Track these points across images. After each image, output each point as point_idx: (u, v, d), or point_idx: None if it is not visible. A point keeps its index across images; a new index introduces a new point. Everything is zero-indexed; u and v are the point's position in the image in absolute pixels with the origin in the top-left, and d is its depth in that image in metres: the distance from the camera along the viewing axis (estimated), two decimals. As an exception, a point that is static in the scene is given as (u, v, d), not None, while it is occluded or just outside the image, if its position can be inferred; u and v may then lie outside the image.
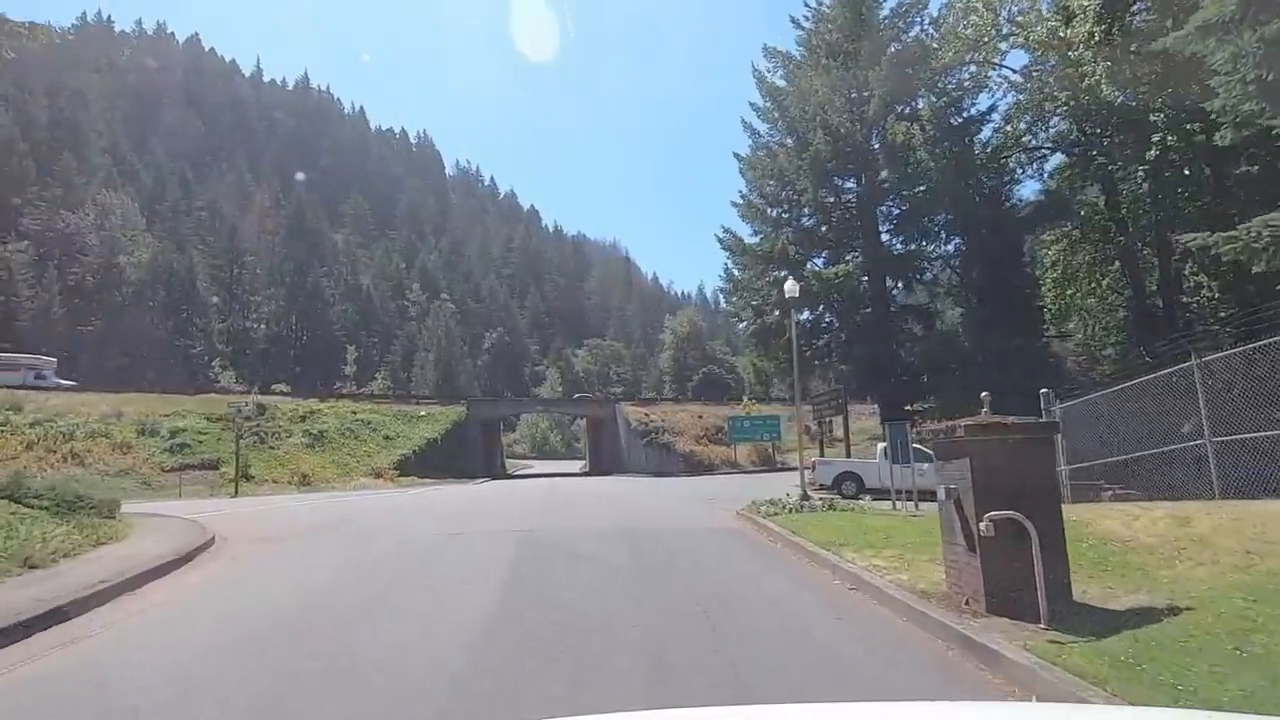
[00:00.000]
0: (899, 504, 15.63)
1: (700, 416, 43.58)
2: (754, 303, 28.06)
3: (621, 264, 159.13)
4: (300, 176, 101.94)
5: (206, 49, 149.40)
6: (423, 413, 40.76)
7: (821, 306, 26.74)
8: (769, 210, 26.97)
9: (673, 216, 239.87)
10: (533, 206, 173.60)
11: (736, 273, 28.06)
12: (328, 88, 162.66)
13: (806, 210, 26.64)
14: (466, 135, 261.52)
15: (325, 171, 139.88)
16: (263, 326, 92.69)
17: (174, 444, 32.78)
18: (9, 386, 35.72)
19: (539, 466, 73.60)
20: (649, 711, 2.27)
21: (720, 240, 29.25)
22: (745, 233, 29.22)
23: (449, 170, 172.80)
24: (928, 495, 17.34)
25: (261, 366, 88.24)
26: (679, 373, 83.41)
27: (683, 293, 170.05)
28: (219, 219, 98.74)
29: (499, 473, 51.89)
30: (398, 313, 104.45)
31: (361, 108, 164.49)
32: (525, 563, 8.44)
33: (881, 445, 20.35)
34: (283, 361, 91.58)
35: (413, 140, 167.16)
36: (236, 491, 28.71)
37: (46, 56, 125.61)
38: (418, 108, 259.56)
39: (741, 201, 28.74)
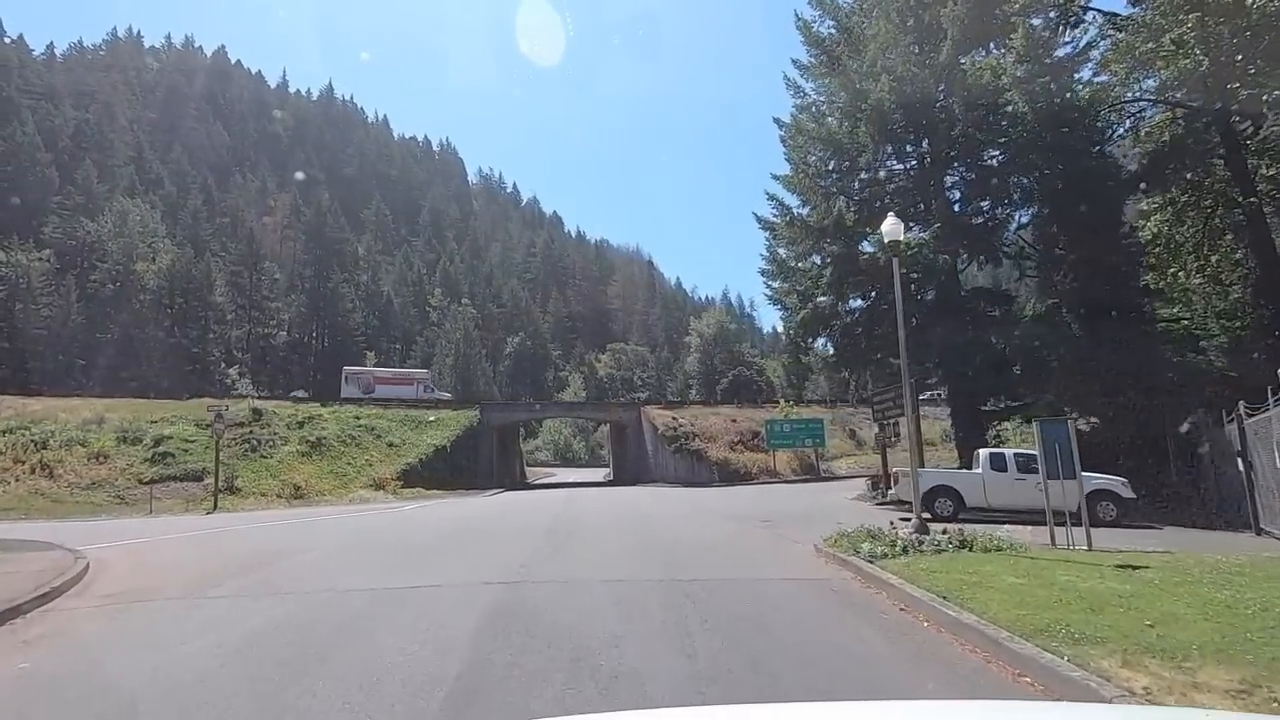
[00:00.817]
0: (1029, 531, 11.35)
1: (734, 420, 39.33)
2: (800, 286, 23.84)
3: (644, 268, 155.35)
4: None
5: (233, 61, 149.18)
6: (431, 418, 37.08)
7: (879, 287, 22.47)
8: (818, 181, 22.73)
9: (696, 222, 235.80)
10: (555, 213, 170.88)
11: (781, 251, 23.84)
12: (351, 97, 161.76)
13: (864, 174, 22.38)
14: (489, 144, 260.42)
15: (349, 179, 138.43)
16: (283, 333, 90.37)
17: (157, 453, 29.40)
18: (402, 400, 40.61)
19: (561, 474, 69.75)
20: (649, 711, 2.77)
21: (759, 220, 25.10)
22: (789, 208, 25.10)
23: (471, 177, 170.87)
24: (1029, 515, 13.18)
25: (282, 374, 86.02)
26: (707, 376, 79.14)
27: (706, 297, 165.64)
28: (240, 226, 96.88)
29: (517, 482, 48.08)
30: (419, 318, 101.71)
31: (385, 116, 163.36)
32: (481, 687, 4.39)
33: (985, 453, 16.01)
34: (303, 368, 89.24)
35: (435, 148, 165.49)
36: (215, 506, 25.16)
37: (74, 71, 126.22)
38: (440, 116, 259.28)
39: (785, 173, 24.61)
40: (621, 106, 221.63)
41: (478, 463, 37.31)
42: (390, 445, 34.04)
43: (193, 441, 30.50)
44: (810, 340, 24.75)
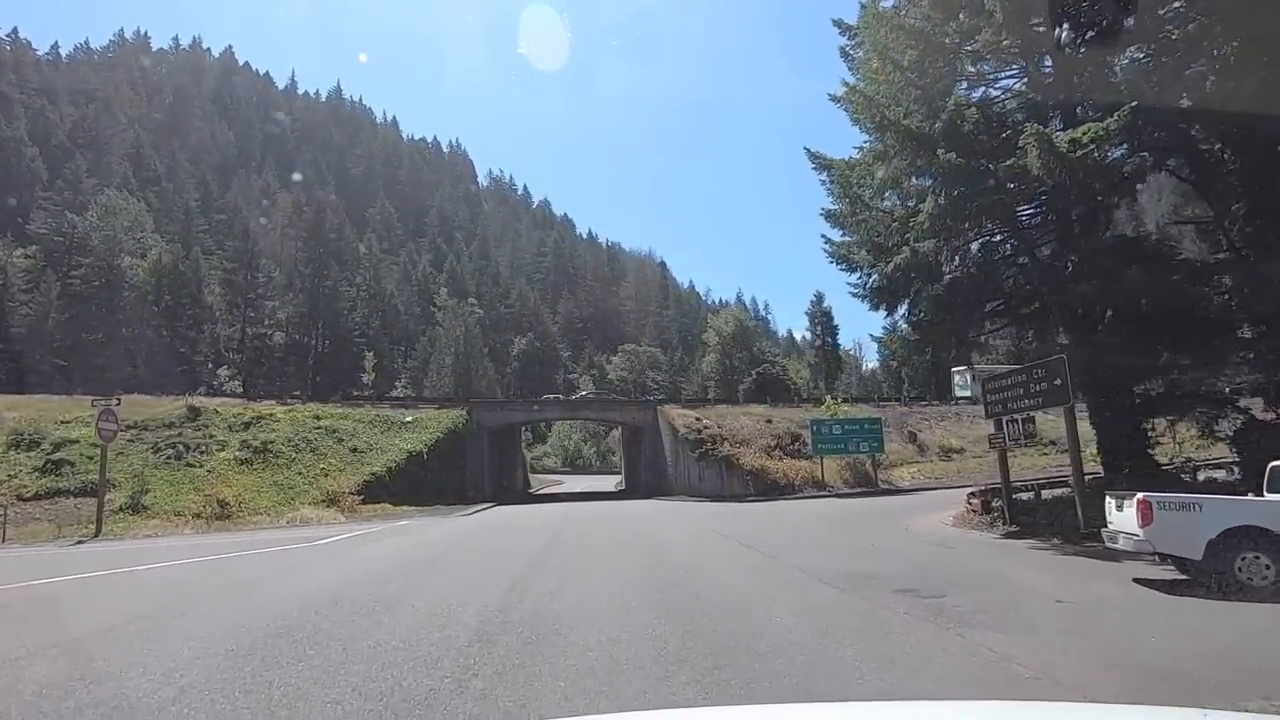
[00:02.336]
0: None
1: (768, 421, 32.44)
2: (880, 233, 17.03)
3: (657, 270, 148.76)
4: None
5: (241, 62, 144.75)
6: (409, 418, 30.48)
7: (1009, 223, 15.63)
8: (905, 90, 15.84)
9: (710, 226, 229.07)
10: (566, 215, 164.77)
11: (854, 182, 16.92)
12: (360, 98, 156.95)
13: (974, 70, 15.48)
14: (500, 147, 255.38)
15: (356, 180, 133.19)
16: (280, 334, 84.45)
17: (52, 461, 22.99)
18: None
19: (569, 483, 62.97)
20: (649, 712, 2.71)
21: (815, 157, 18.30)
22: (838, 152, 18.20)
23: (482, 179, 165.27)
24: None
25: (279, 375, 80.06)
26: (725, 376, 72.30)
27: (720, 300, 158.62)
28: (238, 224, 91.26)
29: (519, 492, 41.37)
30: (424, 318, 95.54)
31: (394, 117, 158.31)
32: None
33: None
34: (300, 370, 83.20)
35: (445, 149, 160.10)
36: (98, 531, 18.63)
37: (78, 71, 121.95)
38: (448, 119, 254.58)
39: (847, 88, 17.78)
40: (634, 110, 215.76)
41: (465, 471, 30.64)
42: (354, 451, 27.46)
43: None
44: (894, 306, 17.86)
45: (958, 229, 14.49)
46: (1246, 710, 2.63)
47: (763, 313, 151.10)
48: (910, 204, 16.22)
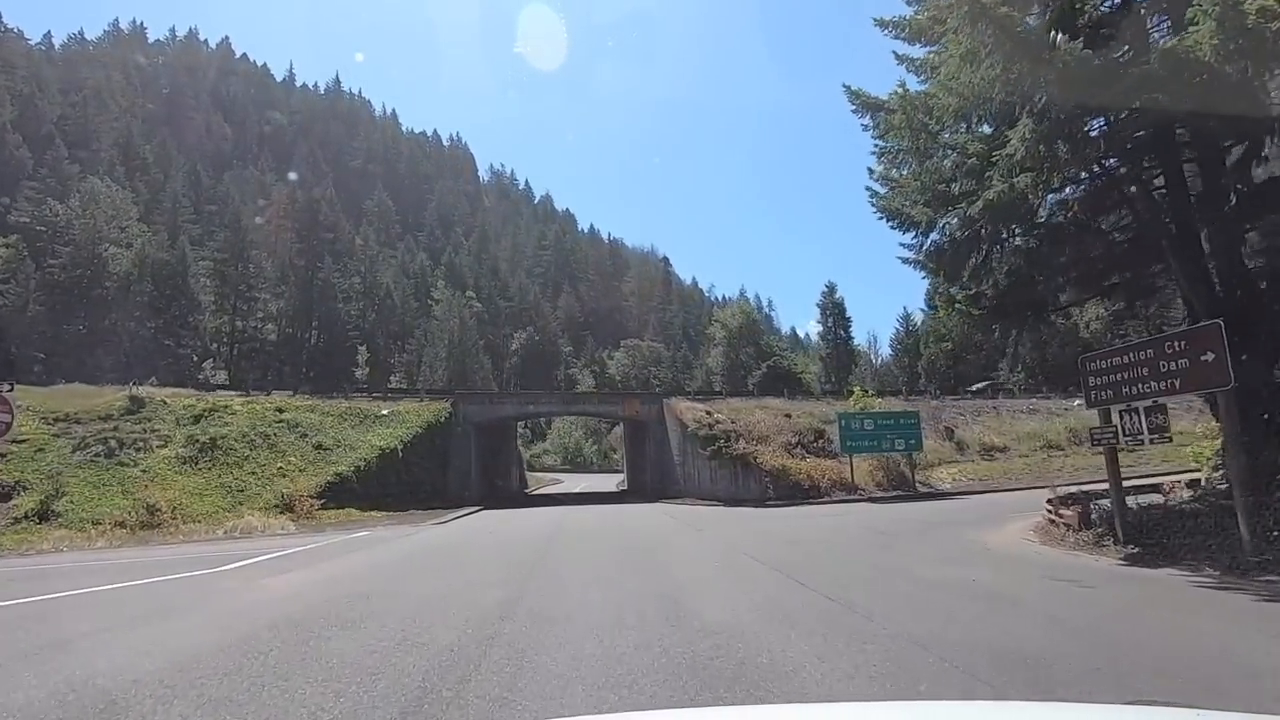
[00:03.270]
0: None
1: (786, 416, 28.78)
2: (941, 183, 13.39)
3: (659, 265, 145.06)
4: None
5: (238, 55, 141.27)
6: (384, 411, 26.88)
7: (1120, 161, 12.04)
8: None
9: (713, 226, 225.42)
10: (568, 210, 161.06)
11: (916, 111, 13.27)
12: (360, 91, 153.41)
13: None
14: (500, 146, 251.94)
15: (354, 173, 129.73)
16: (271, 325, 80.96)
17: (-48, 459, 19.39)
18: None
19: (569, 482, 59.37)
20: (649, 712, 2.71)
21: (857, 97, 14.66)
22: (882, 91, 14.50)
23: (482, 174, 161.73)
24: None
25: (272, 370, 76.55)
26: (732, 372, 68.59)
27: (724, 296, 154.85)
28: (229, 216, 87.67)
29: (510, 493, 37.81)
30: (421, 313, 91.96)
31: (393, 110, 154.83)
32: None
33: None
34: (295, 364, 79.67)
35: (445, 143, 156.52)
36: (-18, 547, 15.05)
37: (72, 62, 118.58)
38: (448, 115, 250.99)
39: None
40: (633, 109, 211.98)
41: (449, 470, 27.04)
42: (319, 448, 23.86)
43: (20, 443, 20.44)
44: (957, 271, 14.18)
45: (1063, 160, 10.80)
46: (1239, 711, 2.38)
47: (766, 310, 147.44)
48: (987, 140, 12.53)
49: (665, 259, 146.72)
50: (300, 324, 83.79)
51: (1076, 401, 33.95)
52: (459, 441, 28.29)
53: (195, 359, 68.27)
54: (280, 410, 25.45)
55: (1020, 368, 53.29)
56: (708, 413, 28.55)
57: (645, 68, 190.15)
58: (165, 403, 24.69)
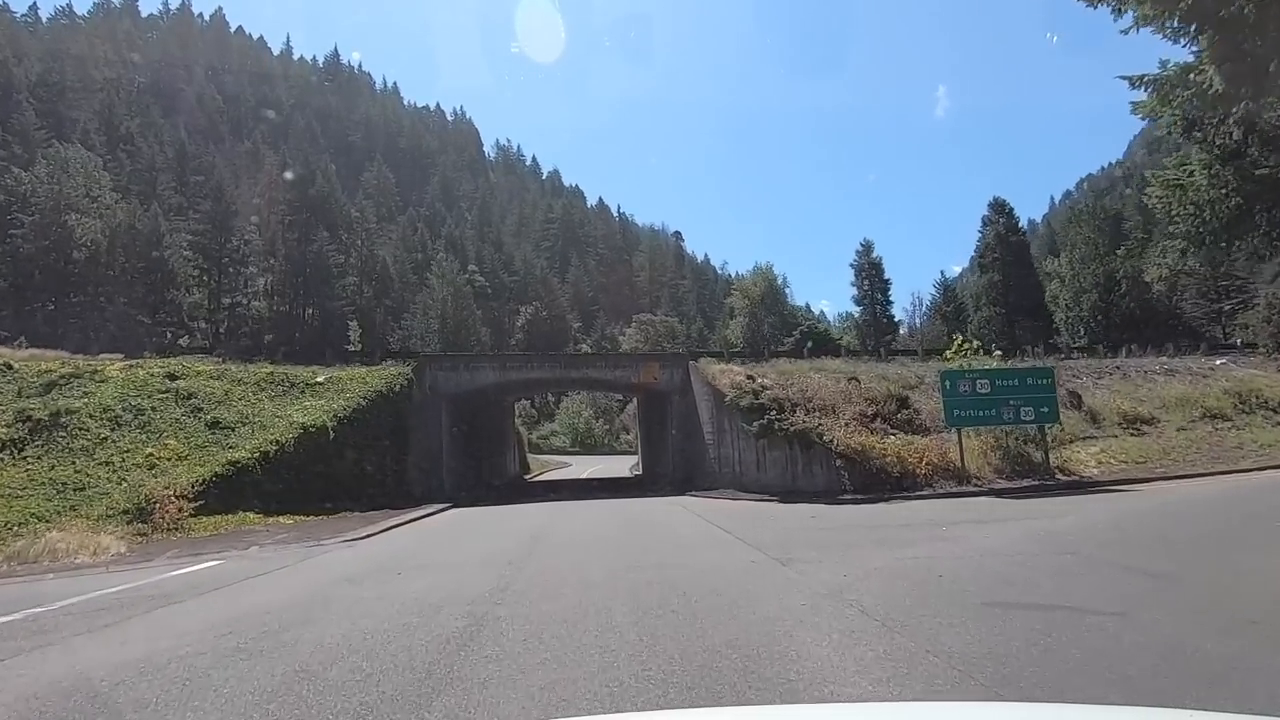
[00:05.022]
0: None
1: (852, 379, 21.34)
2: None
3: (671, 240, 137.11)
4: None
5: (233, 28, 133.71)
6: (320, 378, 19.73)
7: None
8: None
9: (722, 201, 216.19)
10: (577, 186, 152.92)
11: None
12: (360, 64, 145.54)
13: None
14: (507, 118, 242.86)
15: (355, 148, 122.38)
16: (258, 302, 74.32)
17: None
18: None
19: (577, 465, 52.35)
20: (649, 712, 2.31)
21: None
22: None
23: (488, 149, 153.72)
24: None
25: (261, 347, 69.92)
26: (755, 344, 61.21)
27: (737, 274, 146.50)
28: (213, 186, 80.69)
29: (503, 482, 30.90)
30: (420, 286, 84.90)
31: (395, 84, 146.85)
32: None
33: None
34: (285, 341, 72.86)
35: (449, 116, 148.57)
36: None
37: (59, 35, 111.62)
38: (454, 87, 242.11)
39: None
40: (646, 83, 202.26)
41: (408, 455, 19.93)
42: (214, 427, 16.78)
43: None
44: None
45: None
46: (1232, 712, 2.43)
47: (781, 285, 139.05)
48: None
49: (677, 233, 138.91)
50: (291, 299, 77.04)
51: (1220, 360, 26.28)
52: (423, 417, 21.15)
53: (169, 336, 61.61)
54: (172, 377, 18.34)
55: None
56: (749, 377, 21.20)
57: (651, 59, 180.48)
58: (10, 366, 17.67)
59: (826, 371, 21.98)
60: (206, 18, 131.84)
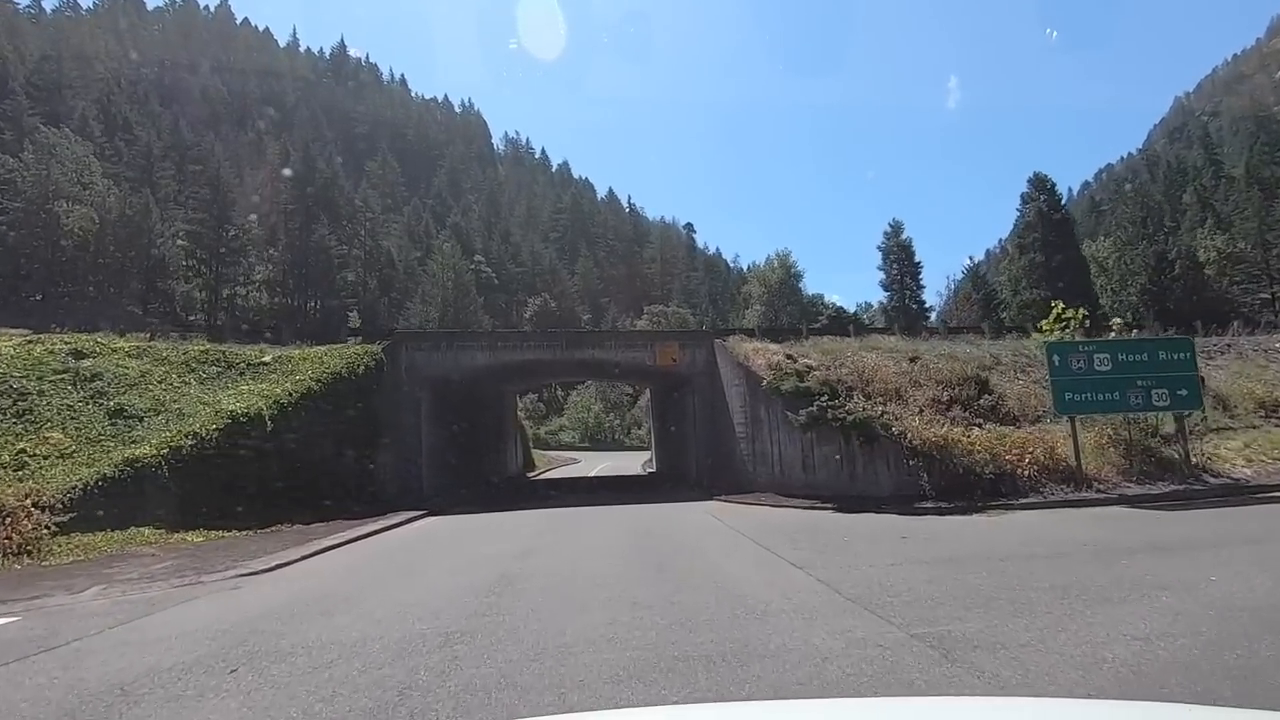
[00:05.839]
0: None
1: (912, 359, 17.34)
2: None
3: (681, 232, 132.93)
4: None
5: (239, 19, 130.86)
6: (268, 358, 16.02)
7: None
8: None
9: (730, 196, 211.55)
10: (586, 178, 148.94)
11: None
12: (367, 56, 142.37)
13: None
14: (515, 114, 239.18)
15: (361, 140, 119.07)
16: (256, 294, 71.17)
17: None
18: None
19: (586, 462, 48.57)
20: (649, 710, 2.26)
21: None
22: None
23: (497, 142, 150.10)
24: None
25: (259, 338, 66.74)
26: (776, 334, 57.24)
27: (749, 266, 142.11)
28: (211, 174, 77.51)
29: (500, 481, 27.28)
30: (423, 276, 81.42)
31: (402, 75, 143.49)
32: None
33: None
34: (285, 332, 69.42)
35: (457, 108, 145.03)
36: None
37: (62, 28, 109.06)
38: (460, 82, 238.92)
39: None
40: (655, 76, 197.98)
41: (377, 451, 16.20)
42: (117, 415, 13.09)
43: None
44: None
45: None
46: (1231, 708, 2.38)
47: (798, 273, 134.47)
48: None
49: (689, 225, 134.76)
50: (292, 290, 73.83)
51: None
52: (398, 406, 17.42)
53: (158, 325, 58.36)
54: (79, 354, 14.69)
55: None
56: (789, 356, 17.28)
57: (649, 57, 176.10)
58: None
59: (881, 349, 18.01)
60: (212, 10, 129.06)
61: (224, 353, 15.87)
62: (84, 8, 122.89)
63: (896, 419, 14.09)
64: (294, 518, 12.93)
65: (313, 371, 15.17)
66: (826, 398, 14.90)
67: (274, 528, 12.20)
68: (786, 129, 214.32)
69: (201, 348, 16.04)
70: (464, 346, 19.06)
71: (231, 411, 13.10)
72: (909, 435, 13.65)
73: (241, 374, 15.10)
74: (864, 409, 14.38)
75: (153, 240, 59.96)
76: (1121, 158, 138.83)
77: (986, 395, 15.73)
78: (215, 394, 14.00)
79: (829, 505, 13.91)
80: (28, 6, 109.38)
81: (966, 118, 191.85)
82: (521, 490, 24.36)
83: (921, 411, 14.48)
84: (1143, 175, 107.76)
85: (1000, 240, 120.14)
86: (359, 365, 16.09)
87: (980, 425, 14.52)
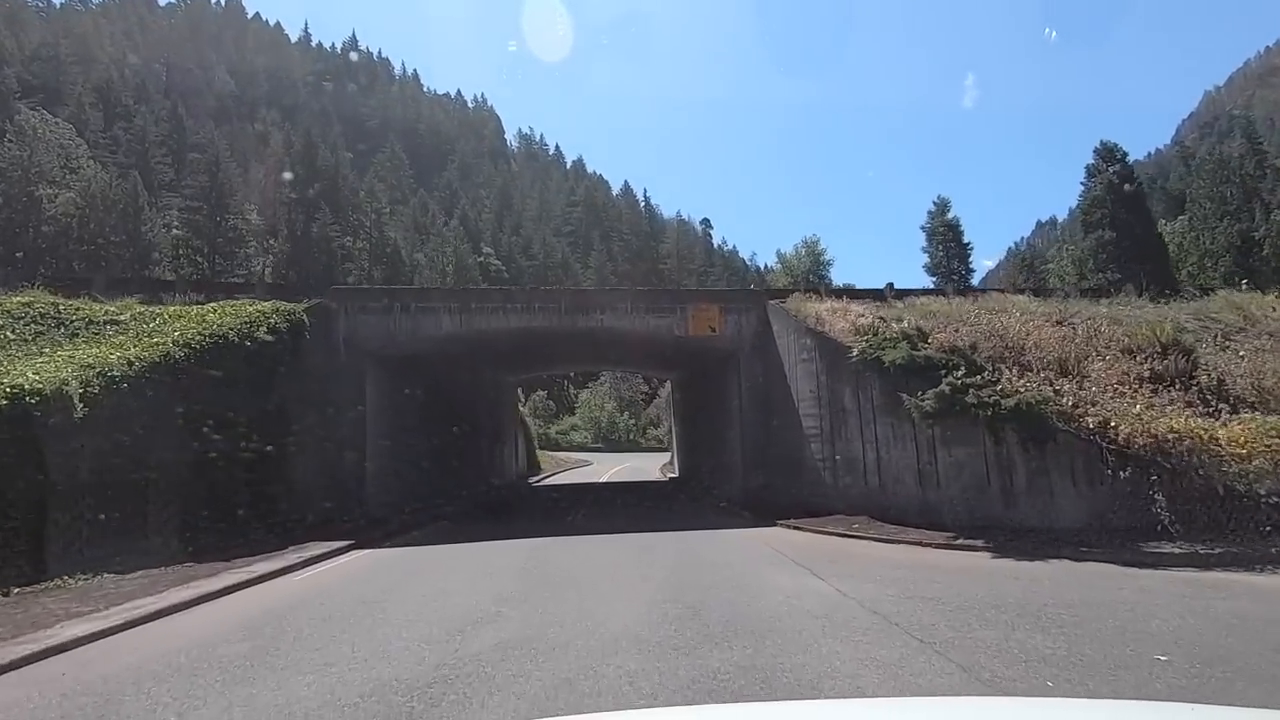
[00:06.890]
0: None
1: (1059, 323, 11.76)
2: None
3: (697, 229, 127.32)
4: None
5: (250, 14, 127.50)
6: (124, 316, 10.80)
7: None
8: None
9: (750, 192, 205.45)
10: (600, 174, 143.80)
11: None
12: (379, 51, 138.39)
13: None
14: (528, 111, 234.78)
15: (372, 133, 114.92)
16: (256, 285, 66.55)
17: None
18: None
19: (598, 465, 43.24)
20: (649, 710, 2.25)
21: None
22: None
23: (510, 139, 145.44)
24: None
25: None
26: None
27: (766, 265, 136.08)
28: (208, 161, 73.30)
29: (495, 489, 22.05)
30: (428, 267, 76.66)
31: (414, 71, 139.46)
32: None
33: None
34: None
35: (470, 104, 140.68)
36: None
37: (68, 19, 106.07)
38: (476, 75, 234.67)
39: None
40: (667, 72, 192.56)
41: (286, 453, 10.92)
42: None
43: None
44: None
45: None
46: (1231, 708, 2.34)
47: (826, 262, 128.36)
48: None
49: (705, 220, 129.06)
50: (292, 281, 69.28)
51: None
52: (333, 388, 12.20)
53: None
54: None
55: None
56: (882, 319, 11.81)
57: (643, 60, 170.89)
58: None
59: (1018, 307, 12.44)
60: (222, 4, 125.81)
61: (56, 304, 10.72)
62: (94, 3, 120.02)
63: (1089, 404, 8.58)
64: (113, 551, 7.73)
65: (181, 334, 9.94)
66: (963, 372, 9.41)
67: (48, 584, 6.97)
68: (785, 130, 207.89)
69: (22, 300, 10.87)
70: (426, 309, 13.71)
71: (13, 390, 7.87)
72: (1118, 429, 8.14)
73: (74, 335, 9.94)
74: (1035, 391, 8.88)
75: (140, 226, 55.65)
76: (1149, 153, 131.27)
77: (1194, 364, 10.15)
78: (14, 363, 8.81)
79: (972, 540, 8.45)
80: (35, 0, 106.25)
81: (990, 110, 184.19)
82: (517, 502, 19.07)
83: (1122, 392, 8.96)
84: (1178, 168, 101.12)
85: (1020, 239, 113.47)
86: (258, 328, 10.84)
87: (1214, 413, 8.97)
